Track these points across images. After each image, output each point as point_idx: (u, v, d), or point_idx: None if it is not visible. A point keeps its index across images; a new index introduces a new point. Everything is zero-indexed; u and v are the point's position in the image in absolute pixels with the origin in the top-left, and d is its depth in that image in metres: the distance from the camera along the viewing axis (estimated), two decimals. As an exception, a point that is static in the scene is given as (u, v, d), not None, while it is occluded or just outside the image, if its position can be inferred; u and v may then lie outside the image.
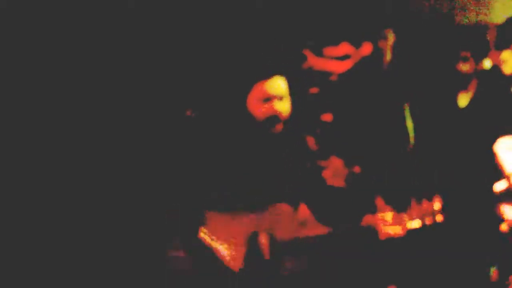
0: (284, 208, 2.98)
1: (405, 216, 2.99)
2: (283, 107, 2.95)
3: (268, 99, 2.92)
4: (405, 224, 3.00)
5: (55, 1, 3.90)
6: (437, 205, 2.99)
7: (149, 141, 3.95)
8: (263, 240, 2.91)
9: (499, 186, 3.37)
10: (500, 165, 3.42)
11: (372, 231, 3.27)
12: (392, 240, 3.17)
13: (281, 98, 2.95)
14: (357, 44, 4.34)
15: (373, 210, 3.25)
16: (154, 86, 4.08)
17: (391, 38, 4.21)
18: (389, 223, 3.00)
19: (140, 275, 3.62)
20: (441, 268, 3.79)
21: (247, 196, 2.98)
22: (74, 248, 3.84)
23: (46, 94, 3.90)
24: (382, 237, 3.00)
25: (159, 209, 3.20)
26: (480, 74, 3.83)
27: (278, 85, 2.93)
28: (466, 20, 4.84)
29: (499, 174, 3.52)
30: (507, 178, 3.36)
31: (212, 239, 2.86)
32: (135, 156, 3.98)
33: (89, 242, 3.86)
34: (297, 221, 2.99)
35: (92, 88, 3.97)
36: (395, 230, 3.01)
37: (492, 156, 3.62)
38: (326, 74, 4.35)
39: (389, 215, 2.99)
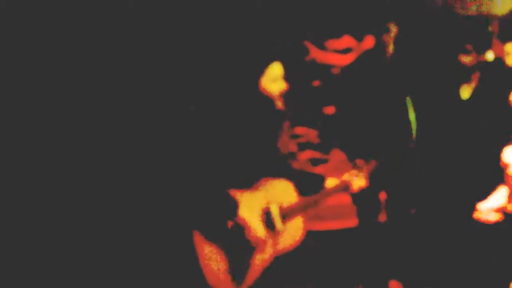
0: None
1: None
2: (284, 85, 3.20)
3: (277, 78, 3.15)
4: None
5: (55, 1, 3.89)
6: None
7: (152, 135, 3.95)
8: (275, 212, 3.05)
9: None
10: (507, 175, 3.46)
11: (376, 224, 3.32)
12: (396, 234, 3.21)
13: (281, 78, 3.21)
14: (359, 37, 4.34)
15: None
16: (154, 80, 4.08)
17: (393, 30, 4.20)
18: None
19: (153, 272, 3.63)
20: (442, 265, 3.80)
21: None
22: (81, 248, 3.85)
23: (46, 94, 3.90)
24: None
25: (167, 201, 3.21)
26: (483, 66, 3.82)
27: (280, 67, 3.18)
28: (469, 12, 4.82)
29: (501, 168, 3.53)
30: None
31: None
32: (138, 151, 3.98)
33: (96, 240, 3.87)
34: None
35: (92, 87, 3.97)
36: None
37: (494, 149, 3.63)
38: (328, 67, 4.35)
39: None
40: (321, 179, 3.34)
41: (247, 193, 3.00)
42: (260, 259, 3.03)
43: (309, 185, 3.27)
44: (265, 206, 3.04)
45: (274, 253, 3.07)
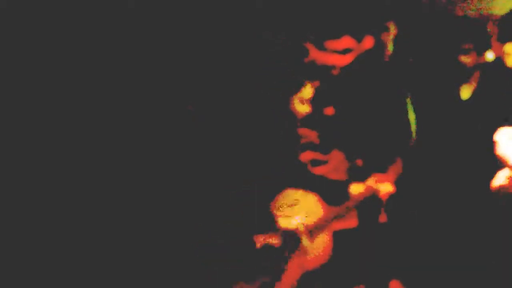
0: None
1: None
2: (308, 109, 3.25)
3: (306, 101, 3.25)
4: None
5: (55, 1, 3.90)
6: None
7: (152, 135, 3.95)
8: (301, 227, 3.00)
9: (500, 176, 3.36)
10: (501, 156, 3.40)
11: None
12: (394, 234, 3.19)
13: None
14: (359, 38, 4.33)
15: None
16: (154, 81, 4.09)
17: (393, 30, 4.19)
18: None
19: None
20: (442, 265, 3.79)
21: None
22: (81, 248, 3.86)
23: (46, 94, 3.91)
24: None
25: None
26: (483, 66, 3.81)
27: (311, 91, 3.31)
28: (469, 12, 4.82)
29: (500, 165, 3.51)
30: (510, 168, 3.34)
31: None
32: (138, 151, 3.98)
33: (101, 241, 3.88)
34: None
35: (92, 87, 3.98)
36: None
37: (493, 148, 3.61)
38: (328, 68, 4.34)
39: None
40: (342, 185, 3.24)
41: (280, 209, 2.96)
42: (289, 276, 2.96)
43: (331, 192, 3.18)
44: (292, 222, 2.99)
45: (301, 270, 2.99)
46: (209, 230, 3.03)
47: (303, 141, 4.32)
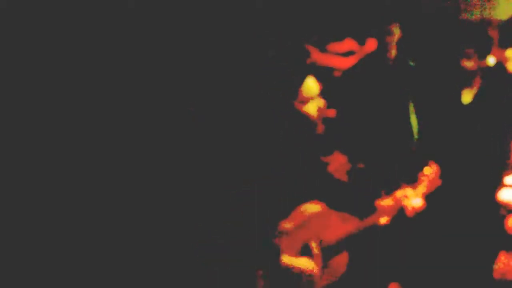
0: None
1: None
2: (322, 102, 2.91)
3: (313, 95, 2.90)
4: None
5: (55, 1, 3.91)
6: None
7: (152, 134, 3.96)
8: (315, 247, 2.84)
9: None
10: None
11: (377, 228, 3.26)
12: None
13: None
14: (361, 40, 4.34)
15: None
16: (155, 81, 4.10)
17: (396, 34, 4.19)
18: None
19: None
20: (442, 268, 3.80)
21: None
22: (80, 248, 3.87)
23: (46, 94, 3.92)
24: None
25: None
26: (484, 71, 3.82)
27: (315, 81, 2.93)
28: (471, 17, 4.83)
29: (502, 169, 3.53)
30: None
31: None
32: (138, 151, 3.99)
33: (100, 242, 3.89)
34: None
35: (92, 88, 3.99)
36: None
37: (495, 153, 3.63)
38: (330, 70, 4.35)
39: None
40: (367, 196, 3.05)
41: (286, 237, 2.76)
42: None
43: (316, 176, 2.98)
44: (305, 242, 2.80)
45: None
46: (209, 230, 3.04)
47: (304, 142, 4.33)
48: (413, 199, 2.99)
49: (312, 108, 2.87)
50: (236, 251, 2.99)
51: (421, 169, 3.59)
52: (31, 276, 3.70)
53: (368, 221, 2.96)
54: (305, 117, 2.89)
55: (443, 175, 3.81)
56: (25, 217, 3.77)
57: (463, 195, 3.75)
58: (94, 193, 3.86)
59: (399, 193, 3.03)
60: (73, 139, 3.89)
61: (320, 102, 2.87)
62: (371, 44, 4.30)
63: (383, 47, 4.17)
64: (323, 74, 4.36)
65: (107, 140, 3.92)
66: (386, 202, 3.02)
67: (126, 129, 3.95)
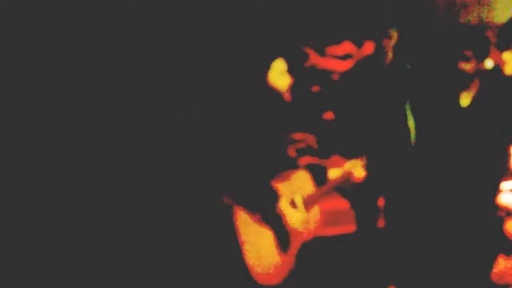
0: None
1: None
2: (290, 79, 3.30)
3: (283, 73, 3.25)
4: None
5: (55, 1, 3.90)
6: None
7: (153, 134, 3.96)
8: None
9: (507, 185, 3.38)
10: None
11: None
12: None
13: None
14: (359, 43, 4.34)
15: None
16: (154, 81, 4.09)
17: (394, 37, 4.19)
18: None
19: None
20: (440, 271, 3.79)
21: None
22: (81, 248, 3.86)
23: (46, 94, 3.91)
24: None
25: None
26: (482, 73, 3.82)
27: (284, 62, 3.29)
28: (469, 20, 4.83)
29: (500, 172, 3.53)
30: None
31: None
32: (138, 151, 3.98)
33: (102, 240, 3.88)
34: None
35: (92, 88, 3.98)
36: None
37: (493, 156, 3.63)
38: (328, 73, 4.35)
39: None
40: (323, 170, 3.41)
41: (279, 184, 3.11)
42: (294, 247, 3.16)
43: (314, 176, 3.36)
44: (291, 196, 3.16)
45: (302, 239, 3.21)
46: (207, 230, 3.03)
47: (302, 145, 4.33)
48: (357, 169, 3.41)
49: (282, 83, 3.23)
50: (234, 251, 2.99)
51: (419, 171, 3.61)
52: (31, 276, 3.69)
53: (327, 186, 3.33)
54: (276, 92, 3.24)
55: (441, 178, 3.81)
56: (25, 217, 3.76)
57: (462, 198, 3.75)
58: (93, 192, 3.86)
59: (348, 165, 3.42)
60: (73, 139, 3.88)
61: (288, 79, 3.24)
62: (369, 47, 4.30)
63: (380, 50, 4.18)
64: (321, 77, 4.37)
65: (106, 139, 3.92)
66: (334, 173, 3.40)
67: (126, 129, 3.95)
